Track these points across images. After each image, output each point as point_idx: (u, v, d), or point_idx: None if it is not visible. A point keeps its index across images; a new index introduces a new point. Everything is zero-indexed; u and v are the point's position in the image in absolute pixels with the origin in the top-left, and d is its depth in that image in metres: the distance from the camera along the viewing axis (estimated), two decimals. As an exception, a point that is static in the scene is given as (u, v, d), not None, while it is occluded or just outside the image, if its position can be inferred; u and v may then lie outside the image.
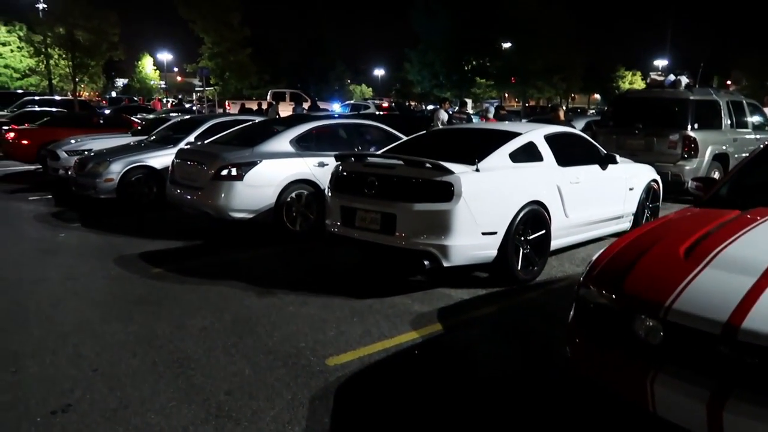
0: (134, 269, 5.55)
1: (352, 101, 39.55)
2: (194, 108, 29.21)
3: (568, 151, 5.79)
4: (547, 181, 5.36)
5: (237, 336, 3.95)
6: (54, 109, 18.29)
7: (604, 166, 6.07)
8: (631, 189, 6.55)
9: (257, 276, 5.31)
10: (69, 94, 27.54)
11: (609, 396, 2.46)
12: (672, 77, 10.09)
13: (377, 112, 23.57)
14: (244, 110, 24.91)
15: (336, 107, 30.18)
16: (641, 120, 9.60)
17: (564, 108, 20.18)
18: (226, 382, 3.28)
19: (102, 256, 5.99)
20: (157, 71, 64.34)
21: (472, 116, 17.24)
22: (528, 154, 5.37)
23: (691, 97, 9.33)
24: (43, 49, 25.26)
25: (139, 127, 12.67)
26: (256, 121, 9.36)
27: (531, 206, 5.06)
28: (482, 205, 4.69)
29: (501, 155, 5.13)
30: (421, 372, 3.48)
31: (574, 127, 8.05)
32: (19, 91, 28.88)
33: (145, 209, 8.29)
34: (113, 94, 56.76)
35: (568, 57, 38.26)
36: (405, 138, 6.82)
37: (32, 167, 12.60)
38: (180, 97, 55.13)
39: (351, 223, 5.08)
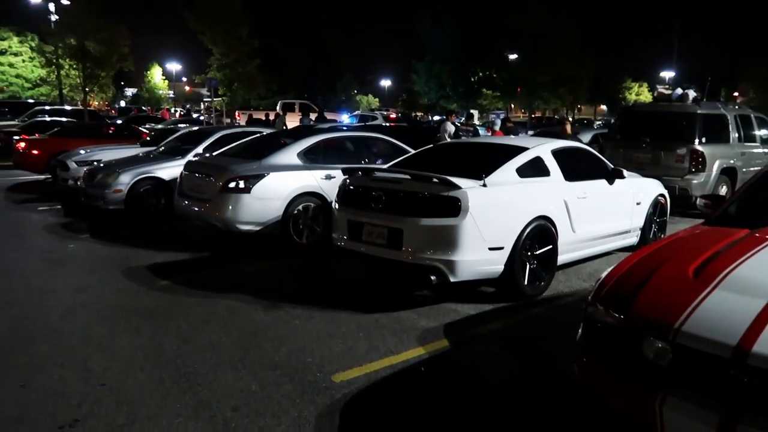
0: (142, 281, 5.57)
1: (359, 112, 39.74)
2: (202, 118, 29.46)
3: (575, 166, 5.79)
4: (554, 196, 5.36)
5: (244, 350, 3.95)
6: (64, 119, 18.46)
7: (611, 181, 6.07)
8: (638, 203, 6.53)
9: (264, 289, 5.32)
10: (79, 103, 27.80)
11: (616, 416, 2.45)
12: (679, 91, 10.06)
13: (385, 123, 23.64)
14: (252, 121, 25.09)
15: (345, 118, 30.31)
16: (648, 134, 9.57)
17: (570, 120, 20.19)
18: (232, 398, 3.28)
19: (110, 268, 6.03)
20: (166, 81, 64.92)
21: (478, 128, 17.28)
22: (535, 169, 5.37)
23: (699, 111, 9.30)
24: (55, 60, 25.49)
25: (148, 138, 12.77)
26: (264, 133, 9.43)
27: (538, 221, 5.06)
28: (489, 220, 4.69)
29: (508, 170, 5.13)
30: (428, 389, 3.47)
31: (581, 141, 8.05)
32: (30, 100, 29.23)
33: (153, 220, 8.34)
34: (122, 103, 57.31)
35: (575, 68, 38.27)
36: (412, 151, 6.85)
37: (42, 177, 12.68)
38: (188, 107, 55.60)
39: (358, 237, 5.09)
